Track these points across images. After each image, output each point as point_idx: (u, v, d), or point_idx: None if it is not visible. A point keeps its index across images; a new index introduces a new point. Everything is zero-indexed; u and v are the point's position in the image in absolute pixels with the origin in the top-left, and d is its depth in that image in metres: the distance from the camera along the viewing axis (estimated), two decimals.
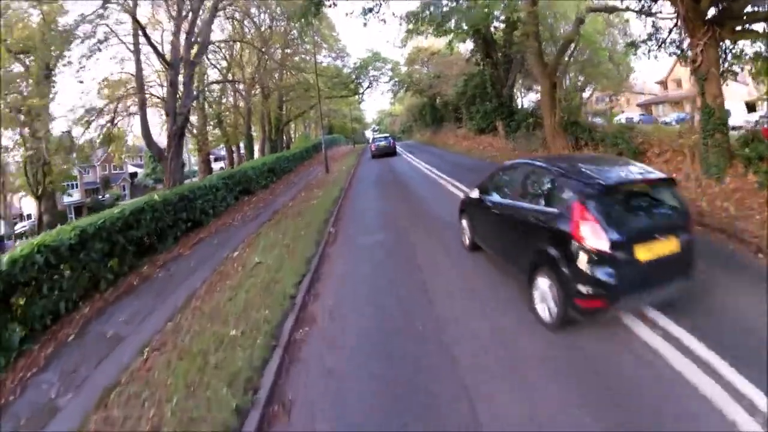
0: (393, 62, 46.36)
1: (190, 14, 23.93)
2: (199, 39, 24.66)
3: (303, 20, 18.47)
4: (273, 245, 10.30)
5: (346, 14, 60.35)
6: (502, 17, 21.87)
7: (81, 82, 31.57)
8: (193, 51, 24.26)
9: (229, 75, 36.57)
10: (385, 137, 37.22)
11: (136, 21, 20.98)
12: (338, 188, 18.33)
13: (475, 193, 8.04)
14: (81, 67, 23.64)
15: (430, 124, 54.21)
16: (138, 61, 22.57)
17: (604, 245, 4.81)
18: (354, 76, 44.60)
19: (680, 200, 5.52)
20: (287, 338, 5.78)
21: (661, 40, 15.79)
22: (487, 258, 7.83)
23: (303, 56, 41.19)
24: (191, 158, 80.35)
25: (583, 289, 4.90)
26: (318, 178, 23.90)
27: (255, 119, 42.77)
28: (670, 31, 15.04)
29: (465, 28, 22.64)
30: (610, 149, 16.24)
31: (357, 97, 49.14)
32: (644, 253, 4.88)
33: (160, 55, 23.44)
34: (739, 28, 11.89)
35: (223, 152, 50.51)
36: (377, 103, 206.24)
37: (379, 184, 19.27)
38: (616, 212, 5.03)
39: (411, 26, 23.22)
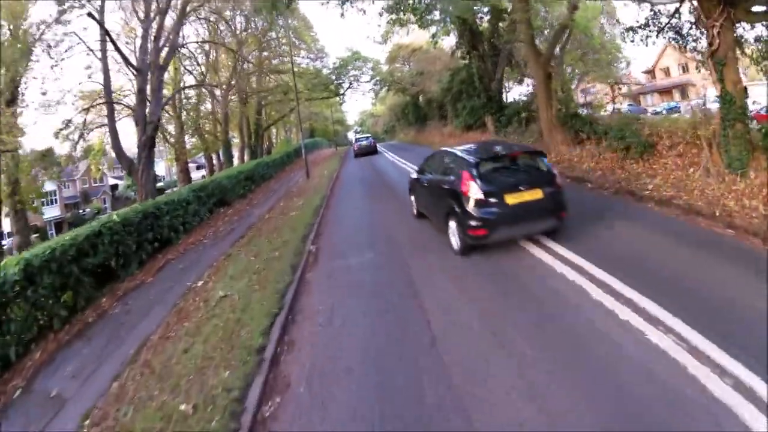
0: (373, 61, 45.02)
1: (158, 17, 22.47)
2: (167, 43, 23.23)
3: (274, 11, 16.94)
4: (243, 271, 8.85)
5: (322, 3, 58.78)
6: (487, 6, 20.51)
7: (44, 93, 29.59)
8: (162, 55, 22.82)
9: (206, 80, 34.95)
10: (366, 137, 38.90)
11: (99, 24, 19.45)
12: (319, 196, 16.98)
13: (415, 175, 10.96)
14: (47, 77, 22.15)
15: (413, 123, 52.86)
16: (105, 69, 21.17)
17: (480, 195, 7.33)
18: (334, 77, 43.09)
19: (546, 165, 7.87)
20: (251, 419, 4.33)
21: (660, 26, 14.67)
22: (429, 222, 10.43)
23: (282, 58, 39.71)
24: (172, 168, 78.73)
25: (472, 223, 7.41)
26: (299, 184, 22.44)
27: (233, 125, 41.18)
28: (672, 15, 14.07)
29: (448, 19, 21.30)
30: (615, 143, 14.94)
31: (338, 98, 47.67)
32: (512, 199, 7.25)
33: (127, 61, 21.95)
34: (755, 9, 10.73)
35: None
36: (359, 104, 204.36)
37: (364, 188, 17.92)
38: (489, 174, 7.56)
39: (393, 16, 21.76)
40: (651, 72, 58.62)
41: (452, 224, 8.12)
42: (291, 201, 17.07)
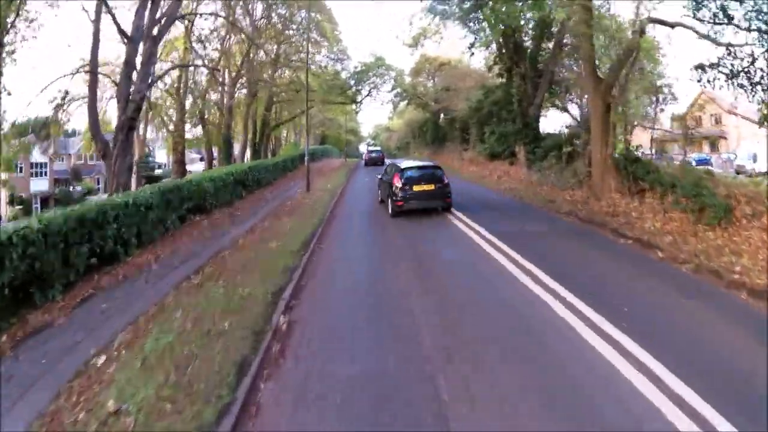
0: (397, 71, 41.91)
1: None
2: (166, 11, 20.09)
3: None
4: (163, 356, 5.35)
5: None
6: (537, 15, 17.27)
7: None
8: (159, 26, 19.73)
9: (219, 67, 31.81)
10: (377, 151, 40.62)
11: None
12: (314, 220, 13.74)
13: (379, 177, 17.77)
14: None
15: (430, 142, 49.58)
16: (96, 32, 18.23)
17: (400, 185, 14.17)
18: (353, 81, 39.97)
19: (441, 171, 15.23)
20: None
21: (734, 69, 13.14)
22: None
23: (300, 55, 36.66)
24: (170, 157, 75.71)
25: (396, 198, 14.26)
26: (295, 198, 19.10)
27: (238, 119, 38.03)
28: (751, 60, 12.74)
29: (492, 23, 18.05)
30: (686, 201, 11.69)
31: (354, 106, 44.52)
32: (417, 188, 14.21)
33: (119, 26, 18.79)
34: None
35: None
36: (374, 116, 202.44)
37: (374, 223, 14.34)
38: (407, 175, 14.40)
39: (429, 17, 18.62)
40: (682, 119, 55.28)
41: (389, 200, 15.00)
42: (279, 221, 13.71)
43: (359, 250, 10.63)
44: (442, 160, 38.54)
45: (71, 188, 60.89)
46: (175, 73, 33.56)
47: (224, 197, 17.92)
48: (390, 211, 14.54)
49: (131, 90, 17.72)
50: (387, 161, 37.38)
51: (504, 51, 23.91)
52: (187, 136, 38.25)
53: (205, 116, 35.73)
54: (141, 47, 18.58)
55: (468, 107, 30.99)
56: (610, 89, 16.37)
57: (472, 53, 24.74)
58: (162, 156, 67.51)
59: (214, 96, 36.71)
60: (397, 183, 14.17)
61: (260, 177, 23.82)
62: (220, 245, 11.17)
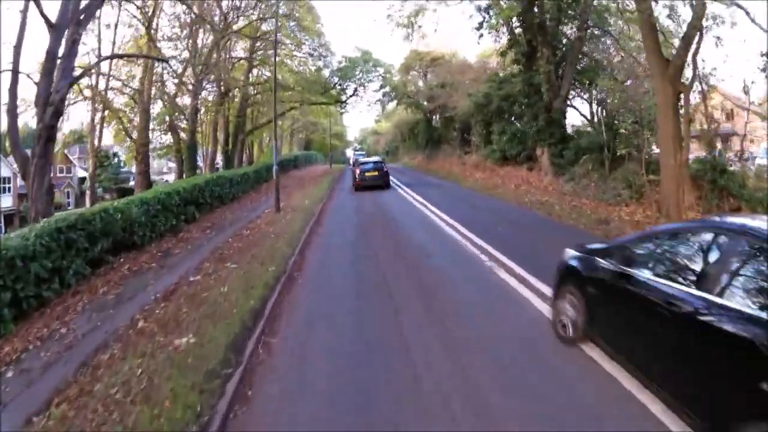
0: (386, 66, 37.47)
1: None
2: None
3: None
4: None
5: None
6: None
7: None
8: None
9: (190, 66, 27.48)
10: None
11: None
12: (272, 268, 8.75)
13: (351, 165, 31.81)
14: None
15: (422, 145, 45.28)
16: (23, 23, 14.78)
17: (358, 172, 25.42)
18: (337, 78, 35.54)
19: (383, 163, 26.55)
20: None
21: None
22: None
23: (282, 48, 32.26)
24: (153, 163, 70.60)
25: (355, 182, 24.62)
26: (257, 225, 14.29)
27: (207, 123, 33.53)
28: None
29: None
30: None
31: (339, 107, 40.10)
32: (368, 174, 24.39)
33: (41, 10, 14.46)
34: None
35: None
36: (360, 119, 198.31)
37: (365, 260, 9.66)
38: (361, 166, 25.42)
39: None
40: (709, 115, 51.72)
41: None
42: (219, 271, 8.92)
43: (340, 317, 6.46)
44: (438, 165, 34.35)
45: None
46: (137, 71, 29.41)
47: (166, 223, 13.46)
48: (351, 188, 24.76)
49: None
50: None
51: (523, 31, 19.67)
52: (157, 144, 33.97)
53: (175, 122, 31.30)
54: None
55: (473, 103, 26.58)
56: (679, 73, 12.33)
57: (481, 34, 20.56)
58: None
59: (188, 99, 32.33)
60: (356, 172, 25.06)
61: (224, 192, 19.38)
62: (113, 326, 6.66)
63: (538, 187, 19.13)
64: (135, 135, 30.71)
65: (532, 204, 15.97)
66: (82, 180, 62.36)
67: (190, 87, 27.89)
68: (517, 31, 20.57)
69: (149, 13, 26.00)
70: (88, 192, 33.07)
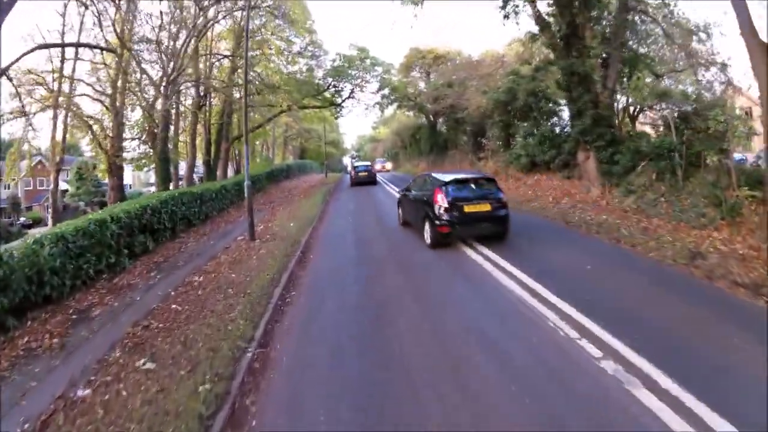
0: (384, 65, 33.57)
1: None
2: None
3: None
4: None
5: None
6: None
7: None
8: None
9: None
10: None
11: None
12: (206, 390, 4.73)
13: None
14: None
15: (426, 151, 41.35)
16: None
17: (354, 174, 30.62)
18: (331, 79, 31.63)
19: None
20: None
21: None
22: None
23: (263, 50, 28.45)
24: (139, 175, 66.66)
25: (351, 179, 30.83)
26: (219, 263, 10.11)
27: (186, 131, 29.59)
28: None
29: None
30: None
31: (334, 110, 36.20)
32: (361, 174, 29.89)
33: None
34: None
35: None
36: (357, 126, 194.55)
37: (381, 367, 5.37)
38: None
39: None
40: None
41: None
42: (126, 378, 5.04)
43: None
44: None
45: (11, 221, 52.43)
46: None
47: (99, 262, 9.53)
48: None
49: None
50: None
51: (559, 10, 15.77)
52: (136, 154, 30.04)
53: (155, 130, 27.48)
54: None
55: (491, 101, 22.52)
56: None
57: (506, 15, 16.72)
58: (127, 176, 58.37)
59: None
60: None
61: (191, 211, 15.48)
62: None
63: (585, 200, 15.23)
64: (108, 145, 27.00)
65: (587, 225, 12.05)
66: (63, 193, 58.59)
67: (161, 89, 24.03)
68: (549, 10, 16.71)
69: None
70: (50, 210, 29.21)
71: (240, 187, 22.83)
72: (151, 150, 27.69)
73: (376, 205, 19.35)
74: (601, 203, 14.66)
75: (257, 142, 53.17)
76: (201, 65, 28.76)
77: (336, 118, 40.75)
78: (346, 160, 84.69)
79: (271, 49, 27.80)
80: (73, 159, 60.17)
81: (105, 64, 26.59)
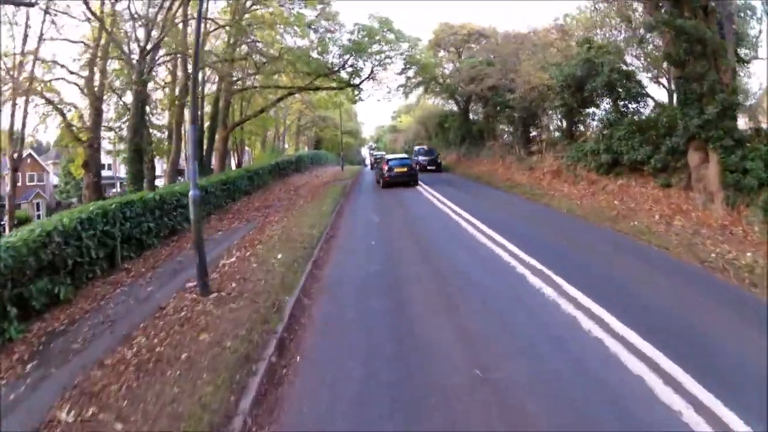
0: (411, 40, 28.24)
1: None
2: None
3: None
4: None
5: None
6: None
7: None
8: None
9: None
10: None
11: None
12: None
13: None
14: None
15: (456, 142, 36.06)
16: None
17: (387, 171, 23.34)
18: (348, 55, 26.51)
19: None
20: None
21: None
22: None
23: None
24: (121, 165, 62.14)
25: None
26: (124, 359, 5.43)
27: (171, 115, 24.82)
28: None
29: None
30: None
31: (351, 94, 31.10)
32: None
33: None
34: None
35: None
36: (375, 116, 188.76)
37: None
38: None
39: None
40: None
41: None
42: None
43: None
44: (484, 169, 25.52)
45: None
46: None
47: None
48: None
49: None
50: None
51: None
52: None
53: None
54: None
55: (560, 76, 16.90)
56: None
57: None
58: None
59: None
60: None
61: (141, 229, 10.73)
62: None
63: (706, 223, 10.27)
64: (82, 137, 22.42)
65: (735, 271, 7.15)
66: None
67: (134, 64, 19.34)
68: None
69: None
70: (6, 217, 24.60)
71: (228, 186, 18.18)
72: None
73: (409, 214, 14.57)
74: (734, 230, 9.68)
75: (268, 132, 48.58)
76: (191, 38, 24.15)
77: (354, 102, 35.42)
78: (365, 152, 79.52)
79: (272, 12, 22.85)
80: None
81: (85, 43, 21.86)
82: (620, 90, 15.23)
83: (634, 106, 15.69)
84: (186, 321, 6.42)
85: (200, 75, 26.87)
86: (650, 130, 13.62)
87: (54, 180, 54.65)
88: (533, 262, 8.19)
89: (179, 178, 39.33)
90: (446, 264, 8.61)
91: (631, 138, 13.92)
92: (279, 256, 9.00)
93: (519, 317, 6.01)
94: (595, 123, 17.46)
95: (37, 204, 49.71)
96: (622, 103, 15.69)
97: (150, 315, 6.93)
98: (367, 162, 58.95)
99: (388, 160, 24.67)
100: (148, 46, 19.05)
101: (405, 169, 22.97)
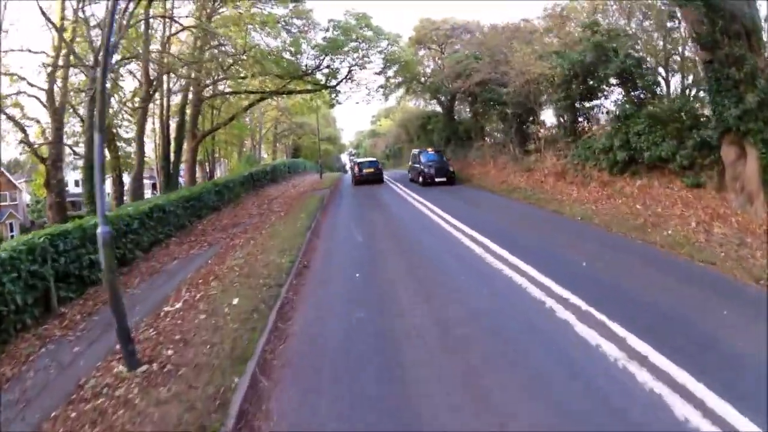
0: (391, 36, 26.36)
1: None
2: None
3: None
4: None
5: None
6: None
7: None
8: None
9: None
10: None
11: None
12: None
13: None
14: None
15: (442, 144, 34.05)
16: None
17: (358, 172, 28.37)
18: (324, 56, 24.49)
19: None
20: None
21: None
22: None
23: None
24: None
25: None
26: None
27: (133, 122, 22.61)
28: None
29: None
30: None
31: (327, 96, 29.10)
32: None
33: None
34: None
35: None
36: (354, 121, 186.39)
37: None
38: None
39: None
40: None
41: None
42: None
43: None
44: (476, 171, 23.64)
45: None
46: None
47: None
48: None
49: None
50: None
51: None
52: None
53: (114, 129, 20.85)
54: None
55: (564, 64, 14.85)
56: None
57: None
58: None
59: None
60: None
61: (46, 273, 8.52)
62: None
63: (749, 229, 8.70)
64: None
65: None
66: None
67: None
68: None
69: None
70: None
71: (193, 203, 16.06)
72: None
73: (399, 230, 12.59)
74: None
75: (246, 142, 46.46)
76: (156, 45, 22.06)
77: (332, 106, 33.37)
78: (345, 158, 78.02)
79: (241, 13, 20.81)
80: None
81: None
82: (637, 79, 13.39)
83: (648, 96, 13.90)
84: (101, 416, 4.38)
85: (166, 82, 25.00)
86: (673, 123, 11.83)
87: (27, 199, 51.91)
88: (574, 299, 6.23)
89: (154, 192, 37.21)
90: (455, 305, 6.52)
91: (652, 132, 12.12)
92: (235, 301, 6.92)
93: (582, 405, 4.01)
94: (602, 116, 15.68)
95: (11, 224, 46.63)
96: (635, 93, 13.88)
97: (66, 396, 4.93)
98: (347, 168, 57.54)
99: (359, 162, 30.58)
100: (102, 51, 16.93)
101: (372, 170, 28.47)
